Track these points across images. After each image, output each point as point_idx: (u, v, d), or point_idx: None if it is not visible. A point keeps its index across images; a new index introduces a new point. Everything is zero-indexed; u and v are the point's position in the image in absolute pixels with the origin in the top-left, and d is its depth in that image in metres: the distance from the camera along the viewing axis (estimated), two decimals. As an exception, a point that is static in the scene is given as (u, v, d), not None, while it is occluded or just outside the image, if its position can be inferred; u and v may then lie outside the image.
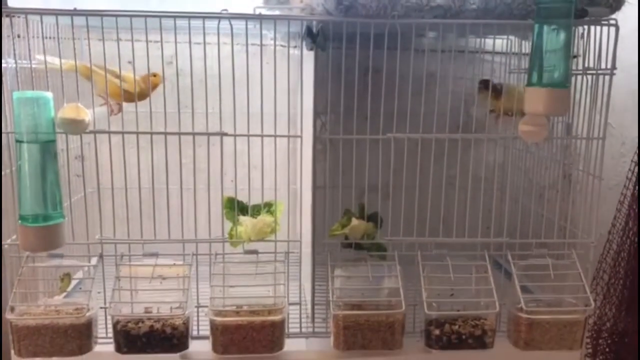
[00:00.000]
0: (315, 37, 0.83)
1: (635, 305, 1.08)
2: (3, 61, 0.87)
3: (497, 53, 1.17)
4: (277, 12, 1.02)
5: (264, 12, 1.00)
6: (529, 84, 0.87)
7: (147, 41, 0.85)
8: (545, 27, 0.85)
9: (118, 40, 0.85)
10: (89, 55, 0.94)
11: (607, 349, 1.12)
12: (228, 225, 0.96)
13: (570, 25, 0.85)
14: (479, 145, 0.96)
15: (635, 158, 1.06)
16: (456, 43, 0.97)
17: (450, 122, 0.93)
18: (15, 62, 0.87)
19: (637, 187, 1.06)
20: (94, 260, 0.91)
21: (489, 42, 1.13)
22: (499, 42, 1.15)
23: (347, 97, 0.90)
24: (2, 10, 0.83)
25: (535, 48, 0.86)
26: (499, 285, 0.92)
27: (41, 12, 0.84)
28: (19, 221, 0.83)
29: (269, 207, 1.00)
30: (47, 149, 0.83)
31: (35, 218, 0.83)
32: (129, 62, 0.92)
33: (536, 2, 0.86)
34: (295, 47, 1.04)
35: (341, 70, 0.89)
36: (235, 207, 0.95)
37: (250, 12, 0.89)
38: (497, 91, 0.98)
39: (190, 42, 0.86)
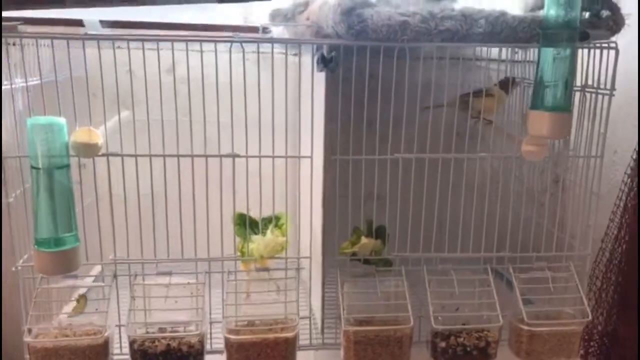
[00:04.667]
0: (328, 62, 0.84)
1: (626, 310, 1.14)
2: (11, 83, 0.86)
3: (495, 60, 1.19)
4: (282, 29, 1.03)
5: (271, 29, 1.02)
6: (533, 107, 0.89)
7: (159, 64, 0.85)
8: (550, 52, 0.88)
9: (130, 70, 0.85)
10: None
11: (598, 351, 1.18)
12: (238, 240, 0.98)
13: (575, 50, 0.88)
14: (481, 160, 0.99)
15: (629, 170, 1.10)
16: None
17: (458, 135, 0.95)
18: (26, 81, 0.87)
19: (629, 198, 1.11)
20: (107, 280, 0.93)
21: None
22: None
23: (357, 118, 0.91)
24: (16, 35, 0.83)
25: (539, 72, 0.89)
26: (500, 295, 0.96)
27: (52, 37, 0.83)
28: (35, 246, 0.84)
29: (276, 220, 1.03)
30: (62, 174, 0.83)
31: (51, 243, 0.84)
32: (127, 72, 0.93)
33: (541, 27, 0.88)
34: (295, 54, 1.03)
35: (350, 91, 0.91)
36: (247, 224, 0.97)
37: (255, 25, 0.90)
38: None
39: (202, 65, 0.86)
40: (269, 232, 1.01)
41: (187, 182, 0.91)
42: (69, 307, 0.93)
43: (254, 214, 0.97)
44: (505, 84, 1.04)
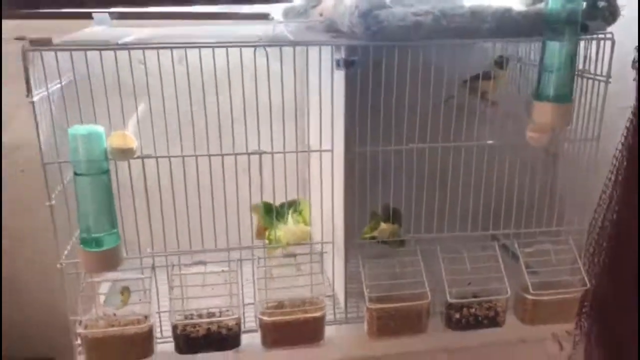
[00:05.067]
0: (350, 65, 0.89)
1: (612, 270, 1.23)
2: (47, 90, 0.90)
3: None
4: (295, 25, 1.08)
5: (285, 25, 1.06)
6: (537, 97, 0.96)
7: (188, 72, 0.90)
8: (553, 44, 0.94)
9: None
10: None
11: (590, 312, 1.28)
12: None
13: (577, 42, 0.94)
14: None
15: (619, 146, 1.19)
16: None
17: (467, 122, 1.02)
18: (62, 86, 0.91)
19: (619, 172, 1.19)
20: (147, 272, 0.99)
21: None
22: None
23: (374, 111, 0.98)
24: (50, 47, 0.86)
25: (543, 64, 0.96)
26: (507, 267, 1.05)
27: (85, 49, 0.87)
28: (80, 246, 0.90)
29: (294, 206, 1.10)
30: (103, 179, 0.88)
31: (95, 242, 0.89)
32: (141, 63, 0.97)
33: (544, 20, 0.94)
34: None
35: (367, 87, 0.96)
36: (274, 213, 1.04)
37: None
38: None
39: (228, 70, 0.91)
40: (289, 217, 1.08)
41: (217, 178, 0.97)
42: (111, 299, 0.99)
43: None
44: (500, 63, 1.10)
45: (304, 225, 1.06)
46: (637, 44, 1.04)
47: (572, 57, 0.94)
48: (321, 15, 1.04)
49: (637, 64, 1.06)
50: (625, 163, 1.17)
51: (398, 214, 1.07)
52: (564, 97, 0.94)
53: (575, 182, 1.08)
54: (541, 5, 0.97)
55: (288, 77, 0.95)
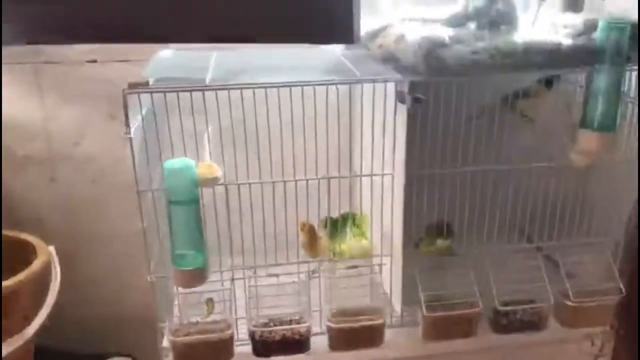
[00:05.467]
0: (417, 102, 0.98)
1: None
2: (143, 127, 1.00)
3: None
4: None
5: (349, 57, 1.15)
6: (583, 125, 1.05)
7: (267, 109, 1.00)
8: (599, 74, 1.02)
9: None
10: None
11: (622, 314, 1.38)
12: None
13: (622, 72, 1.02)
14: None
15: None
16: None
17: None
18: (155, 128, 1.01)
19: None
20: (227, 284, 1.10)
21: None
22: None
23: (432, 139, 1.07)
24: (147, 89, 0.96)
25: (590, 93, 1.04)
26: (549, 275, 1.15)
27: (179, 90, 0.96)
28: (173, 265, 1.01)
29: (352, 218, 1.21)
30: (194, 206, 0.99)
31: (187, 262, 1.00)
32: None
33: (592, 51, 1.02)
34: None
35: (427, 119, 1.05)
36: (338, 227, 1.15)
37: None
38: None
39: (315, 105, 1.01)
40: (348, 230, 1.19)
41: (290, 200, 1.08)
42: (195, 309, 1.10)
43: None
44: (548, 82, 1.17)
45: (365, 239, 1.17)
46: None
47: (618, 87, 1.02)
48: (380, 47, 1.12)
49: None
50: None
51: (450, 228, 1.16)
52: (609, 126, 1.03)
53: (612, 195, 1.17)
54: (589, 36, 1.05)
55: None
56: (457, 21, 1.10)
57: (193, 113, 0.99)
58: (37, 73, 1.34)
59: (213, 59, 1.15)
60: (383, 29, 1.12)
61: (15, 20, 1.06)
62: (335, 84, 0.99)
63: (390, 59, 1.11)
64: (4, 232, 1.34)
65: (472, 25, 1.10)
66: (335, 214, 1.17)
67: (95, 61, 1.35)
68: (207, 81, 0.98)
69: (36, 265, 1.23)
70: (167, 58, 1.21)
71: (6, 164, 1.40)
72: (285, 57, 1.15)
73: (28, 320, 1.25)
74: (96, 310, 1.53)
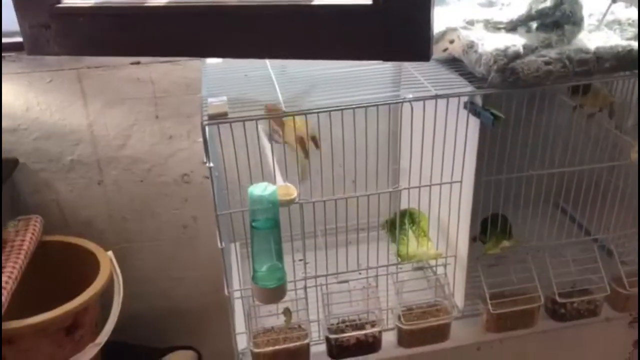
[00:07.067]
0: (495, 119, 0.98)
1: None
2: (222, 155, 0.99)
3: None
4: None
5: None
6: (645, 131, 1.06)
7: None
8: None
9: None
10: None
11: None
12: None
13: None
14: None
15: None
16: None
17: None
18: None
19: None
20: (301, 293, 1.14)
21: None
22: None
23: (502, 145, 1.08)
24: (226, 120, 0.94)
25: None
26: (604, 263, 1.20)
27: (257, 118, 0.95)
28: (255, 282, 1.03)
29: (411, 216, 1.23)
30: (276, 231, 1.00)
31: (268, 281, 1.03)
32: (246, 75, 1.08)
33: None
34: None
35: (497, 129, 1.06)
36: (408, 234, 1.17)
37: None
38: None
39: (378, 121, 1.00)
40: (408, 228, 1.22)
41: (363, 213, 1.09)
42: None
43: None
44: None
45: (427, 239, 1.19)
46: None
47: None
48: (445, 51, 1.10)
49: None
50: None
51: (506, 221, 1.20)
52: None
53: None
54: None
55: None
56: (520, 22, 1.09)
57: (271, 140, 0.99)
58: (80, 78, 1.30)
59: (270, 70, 1.13)
60: (446, 32, 1.10)
61: (59, 33, 1.03)
62: (410, 100, 0.99)
63: (455, 63, 1.10)
64: (64, 238, 1.36)
65: (533, 25, 1.09)
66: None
67: (138, 63, 1.31)
68: (282, 104, 0.97)
69: (102, 278, 1.25)
70: (217, 68, 1.18)
71: (54, 169, 1.39)
72: (344, 66, 1.12)
73: (98, 326, 1.28)
74: (149, 304, 1.57)
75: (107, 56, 1.22)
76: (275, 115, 0.97)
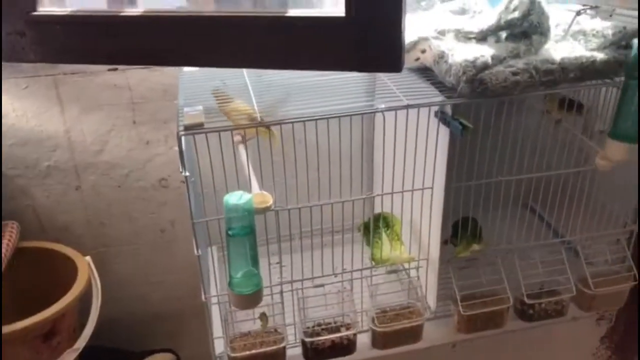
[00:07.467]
0: (463, 129, 1.01)
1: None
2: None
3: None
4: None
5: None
6: (612, 136, 1.10)
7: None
8: (632, 88, 1.05)
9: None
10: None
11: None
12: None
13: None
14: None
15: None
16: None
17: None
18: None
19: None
20: (277, 297, 1.16)
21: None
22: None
23: (471, 153, 1.11)
24: (203, 130, 0.96)
25: (621, 106, 1.08)
26: (571, 265, 1.25)
27: (234, 128, 0.97)
28: (231, 289, 1.05)
29: (385, 220, 1.26)
30: (251, 238, 1.02)
31: (243, 287, 1.05)
32: (224, 83, 1.09)
33: (625, 67, 1.06)
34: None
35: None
36: (382, 237, 1.20)
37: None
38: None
39: (351, 129, 1.03)
40: (383, 232, 1.25)
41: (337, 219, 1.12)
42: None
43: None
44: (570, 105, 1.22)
45: (400, 243, 1.22)
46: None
47: (644, 100, 1.07)
48: (417, 60, 1.13)
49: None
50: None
51: (476, 224, 1.23)
52: (635, 137, 1.08)
53: (625, 189, 1.25)
54: (621, 47, 1.09)
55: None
56: (490, 32, 1.12)
57: (246, 148, 1.00)
58: (57, 84, 1.30)
59: (246, 78, 1.15)
60: (418, 41, 1.12)
61: (35, 40, 1.04)
62: (382, 111, 1.01)
63: (427, 71, 1.13)
64: (41, 244, 1.36)
65: (503, 35, 1.13)
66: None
67: (116, 69, 1.31)
68: (257, 114, 0.99)
69: (80, 284, 1.26)
70: (194, 75, 1.20)
71: (30, 175, 1.39)
72: (320, 74, 1.14)
73: (76, 332, 1.29)
74: (127, 308, 1.58)
75: (83, 64, 1.23)
76: (249, 125, 0.98)
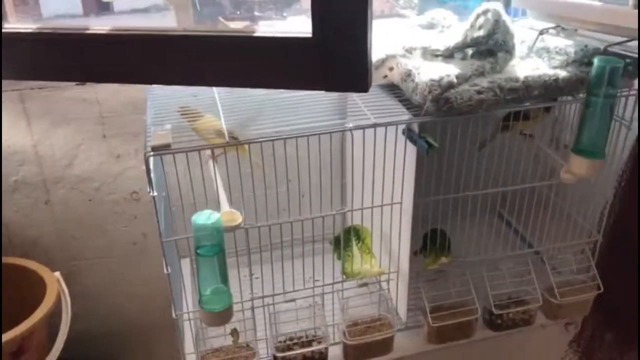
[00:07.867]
0: (429, 148, 1.03)
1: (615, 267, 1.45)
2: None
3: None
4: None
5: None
6: (575, 151, 1.13)
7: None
8: (593, 106, 1.07)
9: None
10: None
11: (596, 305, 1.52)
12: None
13: (614, 102, 1.09)
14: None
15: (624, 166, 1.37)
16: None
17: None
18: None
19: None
20: (248, 313, 1.16)
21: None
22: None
23: (438, 168, 1.13)
24: (170, 151, 0.96)
25: (583, 122, 1.11)
26: (537, 274, 1.27)
27: (201, 149, 0.97)
28: (202, 307, 1.05)
29: (356, 232, 1.27)
30: (221, 257, 1.02)
31: (214, 305, 1.05)
32: (195, 96, 1.09)
33: (587, 85, 1.08)
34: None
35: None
36: (352, 251, 1.21)
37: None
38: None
39: (320, 146, 1.04)
40: (355, 247, 1.26)
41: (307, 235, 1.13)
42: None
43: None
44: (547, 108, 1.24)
45: (372, 256, 1.24)
46: None
47: (610, 118, 1.09)
48: (385, 77, 1.14)
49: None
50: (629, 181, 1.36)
51: (444, 236, 1.25)
52: (600, 154, 1.11)
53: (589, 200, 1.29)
54: (583, 64, 1.12)
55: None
56: (456, 50, 1.14)
57: (215, 166, 1.01)
58: (23, 99, 1.29)
59: (216, 94, 1.15)
60: (386, 59, 1.14)
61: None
62: (350, 129, 1.02)
63: (395, 88, 1.14)
64: (9, 260, 1.34)
65: (469, 52, 1.15)
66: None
67: (84, 83, 1.30)
68: (225, 134, 0.99)
69: (49, 301, 1.25)
70: (163, 90, 1.19)
71: (-3, 190, 1.37)
72: (291, 91, 1.15)
73: (45, 348, 1.28)
74: (99, 322, 1.57)
75: (49, 81, 1.22)
76: (217, 145, 0.99)
